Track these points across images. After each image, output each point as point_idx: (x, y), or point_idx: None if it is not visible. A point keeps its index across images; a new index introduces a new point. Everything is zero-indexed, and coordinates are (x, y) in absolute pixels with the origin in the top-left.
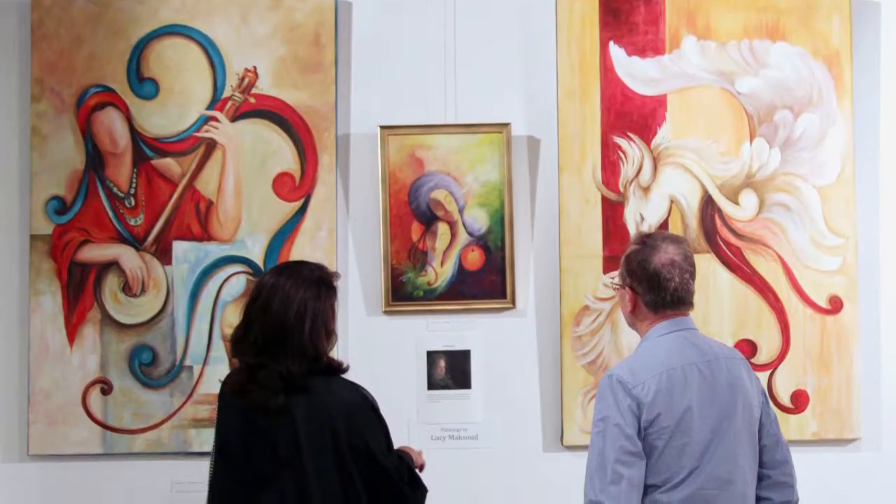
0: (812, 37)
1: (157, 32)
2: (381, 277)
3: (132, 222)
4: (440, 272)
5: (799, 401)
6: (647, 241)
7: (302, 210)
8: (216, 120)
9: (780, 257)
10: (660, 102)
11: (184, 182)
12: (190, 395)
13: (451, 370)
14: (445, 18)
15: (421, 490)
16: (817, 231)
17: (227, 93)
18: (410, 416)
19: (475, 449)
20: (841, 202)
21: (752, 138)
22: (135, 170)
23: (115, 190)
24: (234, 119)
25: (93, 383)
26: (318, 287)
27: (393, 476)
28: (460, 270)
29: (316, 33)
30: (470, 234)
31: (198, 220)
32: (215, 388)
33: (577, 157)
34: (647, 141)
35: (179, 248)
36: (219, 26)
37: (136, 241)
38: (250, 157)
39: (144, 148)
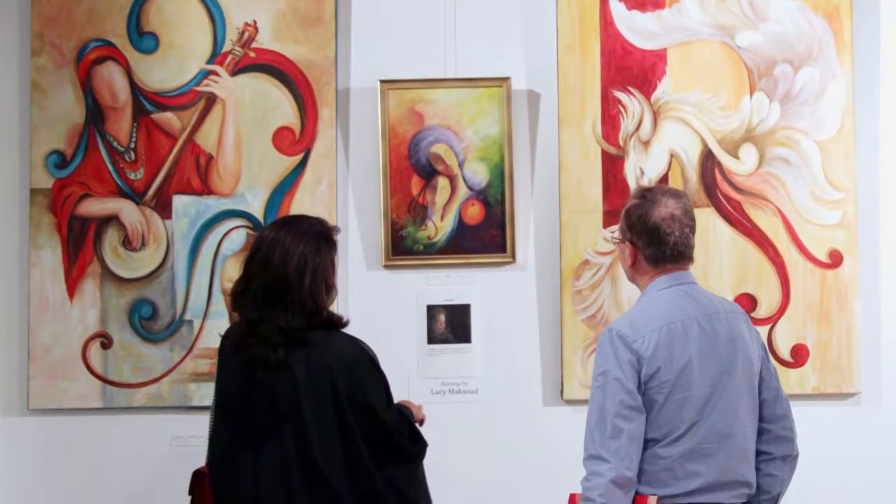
0: None
1: None
2: (381, 232)
3: (132, 176)
4: (440, 226)
5: (799, 355)
6: (647, 195)
7: (302, 164)
8: (216, 74)
9: (780, 211)
10: (660, 57)
11: (184, 136)
12: (190, 350)
13: (452, 324)
14: None
15: (421, 444)
16: (817, 185)
17: (227, 47)
18: (410, 371)
19: (475, 403)
20: (841, 156)
21: (751, 92)
22: (135, 124)
23: (115, 144)
24: (234, 73)
25: (93, 337)
26: (319, 241)
27: (393, 430)
28: (460, 225)
29: None
30: (470, 188)
31: (198, 174)
32: (215, 343)
33: (577, 111)
34: (647, 95)
35: (179, 202)
36: None
37: (136, 196)
38: (250, 111)
39: (144, 102)
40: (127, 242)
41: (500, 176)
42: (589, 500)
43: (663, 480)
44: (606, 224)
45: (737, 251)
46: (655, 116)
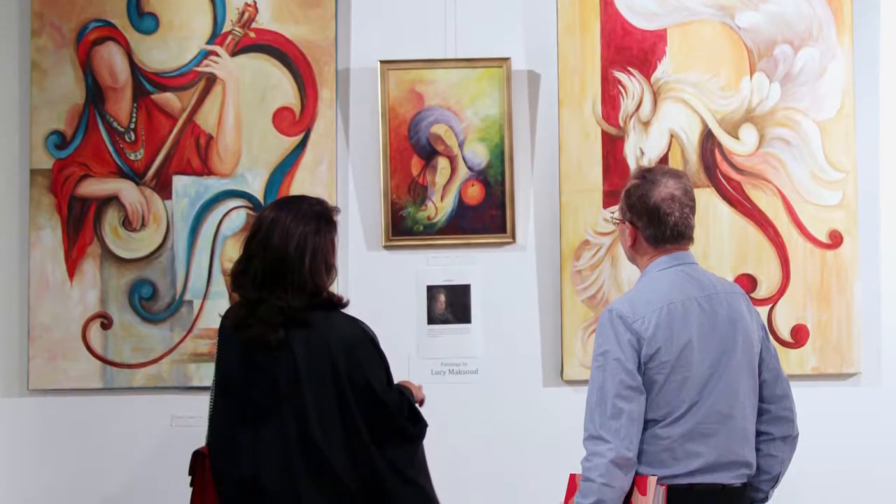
0: None
1: None
2: (381, 212)
3: (132, 157)
4: (440, 207)
5: (799, 335)
6: (647, 175)
7: (302, 144)
8: (216, 54)
9: (780, 192)
10: (660, 37)
11: (184, 116)
12: (190, 330)
13: (452, 305)
14: None
15: (421, 424)
16: (817, 165)
17: (226, 27)
18: (410, 351)
19: (475, 384)
20: (841, 136)
21: (751, 73)
22: (135, 104)
23: (115, 124)
24: (234, 54)
25: (93, 318)
26: (319, 221)
27: (393, 411)
28: (460, 205)
29: None
30: (470, 168)
31: (198, 154)
32: (215, 323)
33: (577, 91)
34: (647, 75)
35: (179, 182)
36: None
37: (136, 176)
38: (250, 91)
39: (144, 82)
40: (127, 223)
41: (500, 156)
42: (589, 481)
43: (663, 461)
44: (606, 204)
45: (737, 231)
46: (655, 97)
